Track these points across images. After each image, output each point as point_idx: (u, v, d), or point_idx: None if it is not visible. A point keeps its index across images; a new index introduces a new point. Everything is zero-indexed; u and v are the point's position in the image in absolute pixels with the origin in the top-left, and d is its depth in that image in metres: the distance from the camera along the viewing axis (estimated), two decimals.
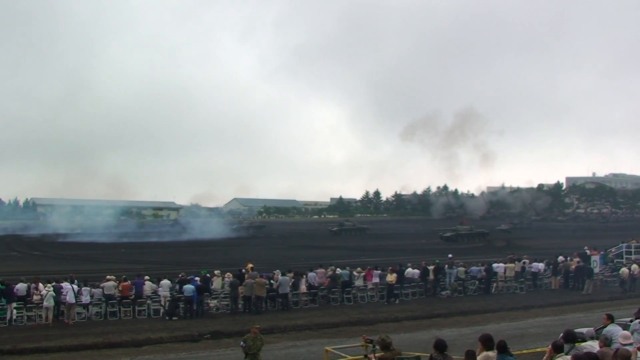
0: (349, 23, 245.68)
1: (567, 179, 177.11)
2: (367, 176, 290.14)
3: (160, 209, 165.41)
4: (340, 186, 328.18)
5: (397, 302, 29.72)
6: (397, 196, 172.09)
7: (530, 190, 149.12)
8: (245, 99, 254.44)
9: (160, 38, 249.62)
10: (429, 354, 11.18)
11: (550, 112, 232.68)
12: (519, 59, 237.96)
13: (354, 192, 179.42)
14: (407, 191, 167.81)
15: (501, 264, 34.75)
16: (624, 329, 12.52)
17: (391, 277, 29.94)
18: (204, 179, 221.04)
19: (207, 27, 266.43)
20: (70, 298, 24.52)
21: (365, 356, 12.83)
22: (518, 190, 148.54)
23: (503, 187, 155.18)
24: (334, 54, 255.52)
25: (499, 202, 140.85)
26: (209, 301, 27.49)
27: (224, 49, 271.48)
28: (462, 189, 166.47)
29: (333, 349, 15.08)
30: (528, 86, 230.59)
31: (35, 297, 24.94)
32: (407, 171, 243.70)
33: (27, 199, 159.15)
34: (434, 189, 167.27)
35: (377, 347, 11.78)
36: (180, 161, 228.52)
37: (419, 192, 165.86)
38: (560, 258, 36.48)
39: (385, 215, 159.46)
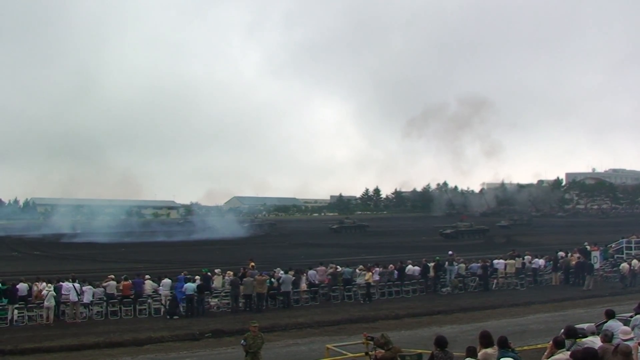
0: (355, 19, 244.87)
1: (567, 174, 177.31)
2: (373, 173, 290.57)
3: (160, 208, 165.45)
4: (347, 184, 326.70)
5: (369, 301, 29.20)
6: (397, 193, 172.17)
7: (540, 186, 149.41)
8: (251, 96, 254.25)
9: (167, 36, 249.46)
10: (430, 351, 11.20)
11: (555, 109, 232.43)
12: (526, 56, 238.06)
13: (362, 189, 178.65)
14: (407, 188, 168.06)
15: (501, 261, 34.78)
16: (624, 325, 12.53)
17: (368, 277, 29.82)
18: (210, 178, 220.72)
19: (213, 25, 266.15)
20: (72, 297, 24.59)
21: (366, 353, 12.88)
22: (525, 186, 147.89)
23: (503, 184, 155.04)
24: (340, 50, 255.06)
25: (508, 198, 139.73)
26: (210, 300, 27.51)
27: (230, 46, 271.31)
28: (468, 185, 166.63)
29: (334, 346, 15.09)
30: (534, 82, 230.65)
31: (35, 290, 25.04)
32: (415, 168, 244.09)
33: (27, 199, 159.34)
34: (434, 186, 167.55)
35: (375, 347, 11.84)
36: (188, 159, 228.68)
37: (419, 189, 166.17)
38: (561, 254, 36.50)
39: (385, 212, 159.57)
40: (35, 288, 25.21)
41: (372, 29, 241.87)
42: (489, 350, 10.50)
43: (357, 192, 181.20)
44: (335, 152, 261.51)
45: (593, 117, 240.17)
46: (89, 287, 25.58)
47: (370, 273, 29.98)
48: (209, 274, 28.83)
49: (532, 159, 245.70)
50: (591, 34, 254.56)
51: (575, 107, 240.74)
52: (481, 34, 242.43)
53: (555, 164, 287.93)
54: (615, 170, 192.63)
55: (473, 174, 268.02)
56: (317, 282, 29.77)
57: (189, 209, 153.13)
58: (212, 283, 28.55)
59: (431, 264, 32.79)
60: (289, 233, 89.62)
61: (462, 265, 33.39)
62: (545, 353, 10.22)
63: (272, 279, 28.47)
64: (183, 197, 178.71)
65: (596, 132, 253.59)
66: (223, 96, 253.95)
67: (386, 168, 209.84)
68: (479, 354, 10.37)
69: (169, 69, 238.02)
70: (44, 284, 25.30)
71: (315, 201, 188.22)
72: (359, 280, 30.27)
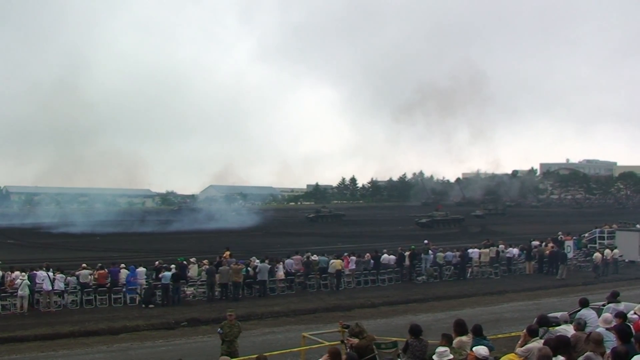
0: (349, 3, 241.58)
1: (542, 165, 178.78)
2: (361, 162, 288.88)
3: (135, 196, 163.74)
4: (334, 173, 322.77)
5: (337, 289, 29.38)
6: (373, 183, 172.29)
7: (529, 175, 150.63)
8: (238, 82, 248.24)
9: (156, 19, 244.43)
10: (405, 339, 11.27)
11: (542, 99, 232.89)
12: (519, 43, 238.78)
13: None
14: (388, 177, 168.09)
15: (476, 250, 35.07)
16: (597, 313, 12.69)
17: (338, 264, 29.88)
18: (189, 166, 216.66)
19: (204, 8, 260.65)
20: (46, 286, 24.38)
21: (342, 342, 12.92)
22: (500, 176, 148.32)
23: (478, 173, 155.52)
24: (332, 35, 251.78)
25: (498, 186, 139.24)
26: (186, 289, 27.42)
27: (223, 30, 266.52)
28: (461, 173, 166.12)
29: (310, 334, 15.13)
30: (525, 71, 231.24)
31: (8, 280, 24.81)
32: (405, 156, 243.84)
33: (0, 188, 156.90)
34: (410, 176, 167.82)
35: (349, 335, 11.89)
36: (170, 147, 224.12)
37: (395, 178, 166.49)
38: (535, 243, 36.92)
39: (361, 201, 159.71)
40: (8, 277, 24.96)
41: (367, 14, 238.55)
42: (464, 338, 10.62)
43: (336, 182, 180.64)
44: (323, 140, 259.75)
45: (578, 108, 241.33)
46: (61, 275, 25.37)
47: (340, 261, 30.05)
48: (184, 262, 28.75)
49: (521, 148, 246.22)
50: (586, 26, 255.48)
51: (563, 98, 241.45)
52: (477, 21, 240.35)
53: (544, 153, 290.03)
54: (589, 161, 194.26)
55: (468, 162, 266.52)
56: (293, 270, 29.82)
57: (155, 197, 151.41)
58: (188, 272, 28.48)
59: (407, 253, 32.99)
60: (266, 222, 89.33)
61: (441, 254, 33.56)
62: (519, 341, 10.33)
63: (249, 268, 28.48)
64: (159, 186, 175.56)
65: (581, 123, 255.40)
66: (208, 83, 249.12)
67: (374, 157, 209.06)
68: (454, 342, 10.47)
69: (158, 53, 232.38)
70: (17, 272, 25.05)
71: (292, 190, 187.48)
72: (331, 270, 30.07)
